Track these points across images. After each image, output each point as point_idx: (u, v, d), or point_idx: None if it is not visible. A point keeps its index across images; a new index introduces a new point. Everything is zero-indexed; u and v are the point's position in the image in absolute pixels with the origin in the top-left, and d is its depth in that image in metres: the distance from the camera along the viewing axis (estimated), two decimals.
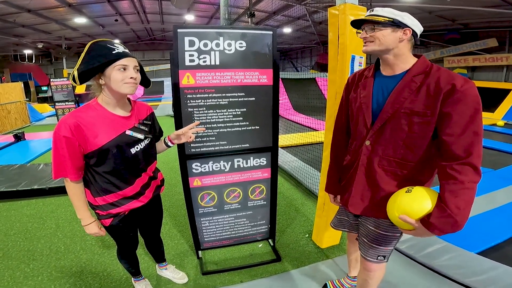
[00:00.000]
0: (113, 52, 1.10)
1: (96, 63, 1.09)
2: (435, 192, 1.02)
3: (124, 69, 1.11)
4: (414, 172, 1.11)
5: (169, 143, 1.47)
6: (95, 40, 1.14)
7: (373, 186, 1.18)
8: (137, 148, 1.26)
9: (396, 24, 1.05)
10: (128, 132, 1.23)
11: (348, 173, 1.29)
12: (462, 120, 0.94)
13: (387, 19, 1.05)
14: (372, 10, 1.11)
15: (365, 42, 1.13)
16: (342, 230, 1.53)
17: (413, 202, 1.00)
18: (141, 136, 1.28)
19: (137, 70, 1.17)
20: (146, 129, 1.32)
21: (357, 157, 1.21)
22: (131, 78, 1.12)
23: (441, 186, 0.98)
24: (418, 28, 1.09)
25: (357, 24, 1.16)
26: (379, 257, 1.28)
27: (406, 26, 1.06)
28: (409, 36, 1.07)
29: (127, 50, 1.16)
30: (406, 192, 1.05)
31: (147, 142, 1.32)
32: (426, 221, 0.96)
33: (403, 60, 1.10)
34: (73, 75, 1.11)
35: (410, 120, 1.06)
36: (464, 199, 0.93)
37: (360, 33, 1.15)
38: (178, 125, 1.61)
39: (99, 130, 1.15)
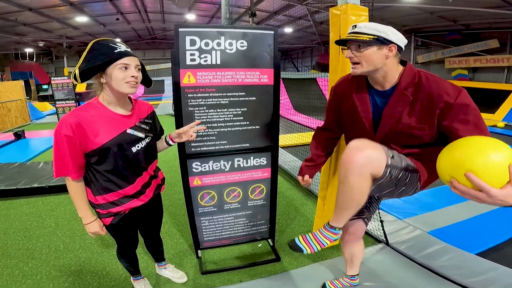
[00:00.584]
0: (115, 51, 1.10)
1: (98, 61, 1.09)
2: None
3: (126, 68, 1.12)
4: (423, 154, 1.16)
5: (170, 142, 1.48)
6: (98, 39, 1.14)
7: None
8: (138, 147, 1.26)
9: (381, 41, 1.05)
10: (129, 131, 1.23)
11: None
12: (470, 124, 0.99)
13: (372, 36, 1.05)
14: (355, 27, 1.10)
15: (352, 64, 1.13)
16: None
17: None
18: (142, 135, 1.28)
19: (139, 69, 1.17)
20: (147, 127, 1.32)
21: None
22: (132, 77, 1.12)
23: None
24: (403, 43, 1.10)
25: (342, 41, 1.16)
26: (388, 150, 1.06)
27: (391, 42, 1.06)
28: (394, 52, 1.08)
29: (129, 49, 1.16)
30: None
31: (148, 140, 1.32)
32: None
33: (392, 76, 1.12)
34: (75, 73, 1.11)
35: (408, 132, 1.11)
36: None
37: (345, 49, 1.15)
38: (179, 124, 1.61)
39: (100, 128, 1.15)
